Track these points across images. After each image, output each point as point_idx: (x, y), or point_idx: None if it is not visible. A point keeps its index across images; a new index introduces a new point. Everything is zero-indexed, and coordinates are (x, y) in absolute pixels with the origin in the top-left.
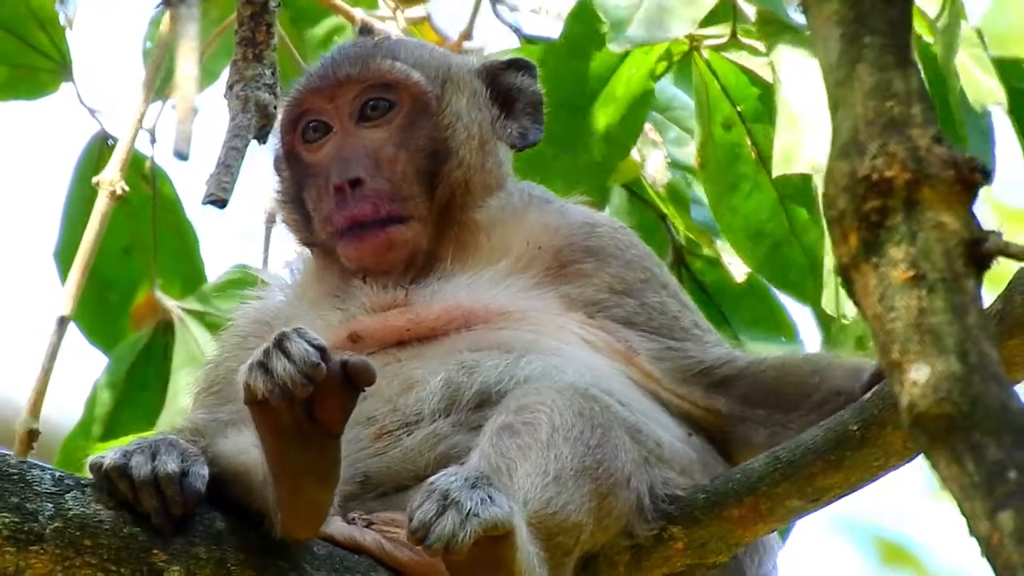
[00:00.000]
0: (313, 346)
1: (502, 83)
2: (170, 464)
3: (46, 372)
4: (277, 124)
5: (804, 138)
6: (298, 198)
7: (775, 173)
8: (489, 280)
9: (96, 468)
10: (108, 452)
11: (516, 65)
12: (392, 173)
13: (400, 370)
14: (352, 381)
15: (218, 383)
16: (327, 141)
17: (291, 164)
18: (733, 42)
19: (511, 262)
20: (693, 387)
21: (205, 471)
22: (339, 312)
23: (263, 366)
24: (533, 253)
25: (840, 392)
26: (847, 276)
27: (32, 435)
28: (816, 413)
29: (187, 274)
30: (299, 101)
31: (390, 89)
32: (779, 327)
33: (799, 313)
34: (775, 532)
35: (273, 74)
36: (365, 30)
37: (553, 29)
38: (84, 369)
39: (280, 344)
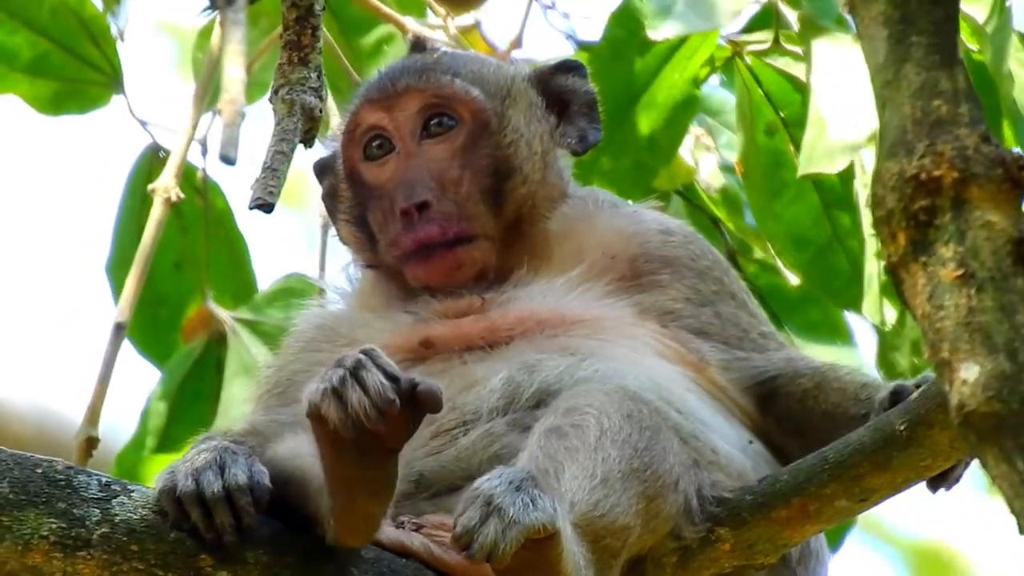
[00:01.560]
0: (388, 377)
1: (554, 87)
2: (240, 475)
3: (103, 380)
4: (334, 136)
5: (830, 137)
6: (361, 218)
7: (799, 173)
8: (564, 288)
9: (168, 494)
10: (176, 475)
11: (565, 67)
12: (457, 194)
13: (464, 371)
14: (420, 405)
15: (280, 386)
16: (389, 160)
17: (353, 183)
18: (776, 48)
19: (585, 270)
20: (750, 399)
21: (266, 473)
22: (410, 316)
23: (337, 394)
24: (607, 262)
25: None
26: (896, 275)
27: (91, 443)
28: None
29: (239, 285)
30: (358, 114)
31: (451, 105)
32: (834, 332)
33: (855, 318)
34: (825, 539)
35: (319, 77)
36: (419, 46)
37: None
38: (134, 385)
39: (356, 373)
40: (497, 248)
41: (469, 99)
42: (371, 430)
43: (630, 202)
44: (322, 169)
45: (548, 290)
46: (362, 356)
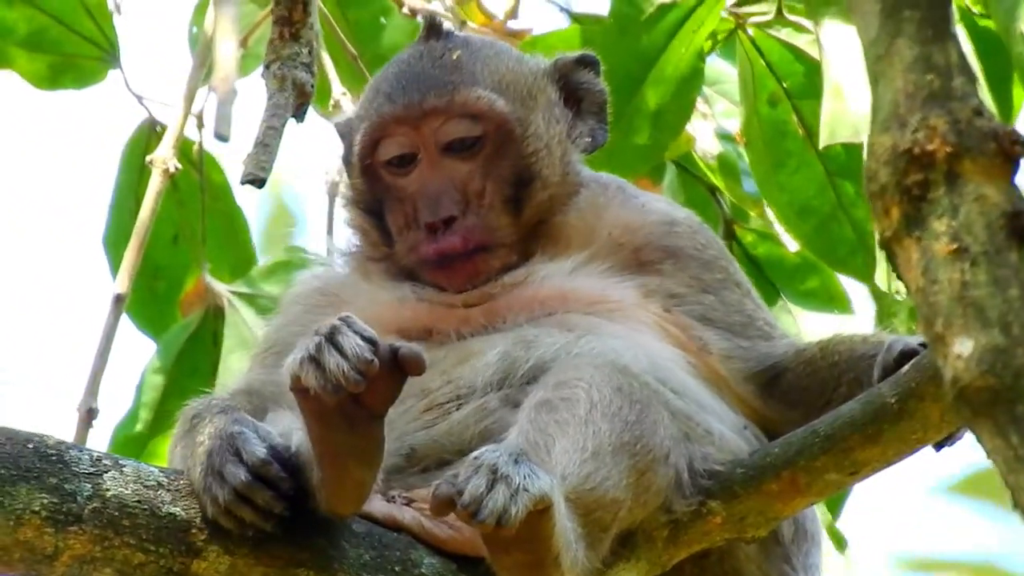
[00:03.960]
0: (365, 339)
1: (572, 82)
2: (258, 450)
3: (103, 352)
4: (353, 136)
5: (849, 108)
6: (377, 214)
7: (822, 144)
8: (569, 269)
9: (213, 503)
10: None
11: (584, 62)
12: (480, 207)
13: (461, 345)
14: (401, 368)
15: (278, 345)
16: (413, 168)
17: (368, 179)
18: (779, 19)
19: (592, 254)
20: (752, 385)
21: (272, 432)
22: (415, 296)
23: (314, 360)
24: (614, 248)
25: (861, 383)
26: (890, 250)
27: (91, 414)
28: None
29: (237, 259)
30: (382, 127)
31: (476, 120)
32: (832, 299)
33: (852, 285)
34: (820, 523)
35: (310, 53)
36: (434, 30)
37: (601, 6)
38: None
39: (332, 338)
40: (515, 250)
41: (494, 113)
42: (353, 394)
43: (639, 191)
44: (342, 135)
45: (554, 272)
46: (337, 322)
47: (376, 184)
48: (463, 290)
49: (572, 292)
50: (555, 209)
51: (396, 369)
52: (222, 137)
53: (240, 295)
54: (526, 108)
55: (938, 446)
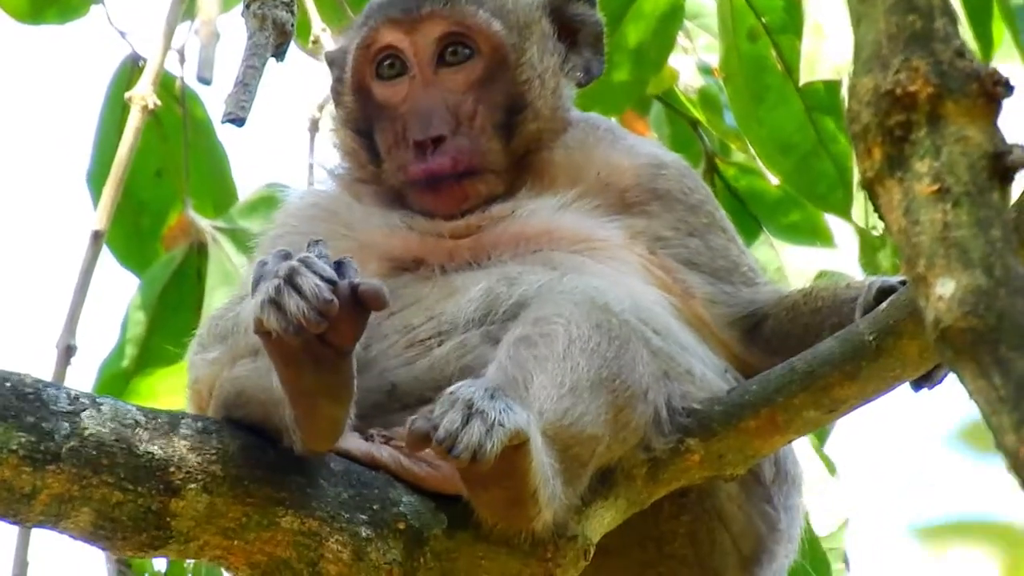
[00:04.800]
0: (324, 280)
1: (567, 15)
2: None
3: (82, 288)
4: (346, 58)
5: (828, 45)
6: (366, 134)
7: (802, 81)
8: (556, 206)
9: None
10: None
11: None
12: (471, 129)
13: (444, 280)
14: (363, 304)
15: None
16: (403, 82)
17: (361, 98)
18: None
19: (579, 192)
20: (736, 331)
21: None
22: (404, 224)
23: (275, 303)
24: (601, 188)
25: (843, 327)
26: (872, 190)
27: (69, 351)
28: None
29: (219, 195)
30: (377, 31)
31: (471, 35)
32: (815, 233)
33: (836, 218)
34: (801, 466)
35: None
36: None
37: None
38: (118, 297)
39: (291, 279)
40: (503, 179)
41: (491, 32)
42: (316, 334)
43: (628, 134)
44: (331, 63)
45: (541, 208)
46: (295, 263)
47: (367, 103)
48: (451, 215)
49: (558, 230)
50: (544, 143)
51: (358, 306)
52: (205, 80)
53: (223, 230)
54: (522, 37)
55: (918, 386)
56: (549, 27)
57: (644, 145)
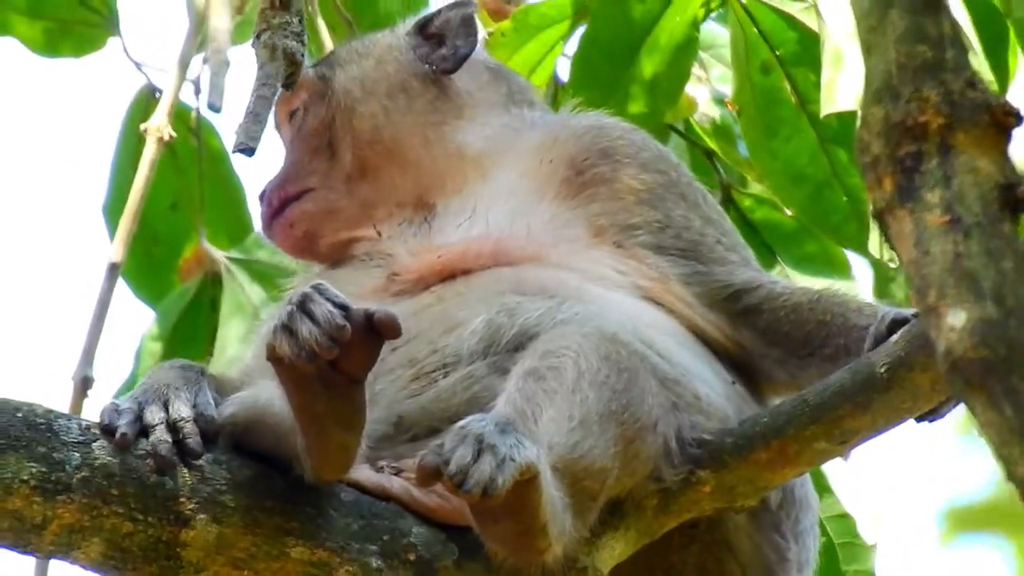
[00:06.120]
0: (336, 305)
1: (432, 27)
2: (183, 410)
3: (98, 320)
4: None
5: (850, 76)
6: None
7: (823, 113)
8: (509, 207)
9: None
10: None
11: (449, 6)
12: (290, 164)
13: (444, 312)
14: (377, 332)
15: None
16: None
17: None
18: None
19: (525, 183)
20: (720, 314)
21: (212, 403)
22: (370, 260)
23: (287, 329)
24: (547, 169)
25: (849, 352)
26: (883, 221)
27: (86, 383)
28: (830, 365)
29: (234, 226)
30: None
31: (300, 95)
32: (831, 265)
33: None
34: (812, 488)
35: (300, 22)
36: None
37: None
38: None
39: (303, 306)
40: (339, 191)
41: (306, 81)
42: (328, 360)
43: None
44: None
45: (490, 211)
46: (308, 290)
47: None
48: (298, 249)
49: (523, 236)
50: (415, 140)
51: (371, 333)
52: (214, 107)
53: (238, 261)
54: (342, 67)
55: (922, 419)
56: (406, 43)
57: (583, 115)
